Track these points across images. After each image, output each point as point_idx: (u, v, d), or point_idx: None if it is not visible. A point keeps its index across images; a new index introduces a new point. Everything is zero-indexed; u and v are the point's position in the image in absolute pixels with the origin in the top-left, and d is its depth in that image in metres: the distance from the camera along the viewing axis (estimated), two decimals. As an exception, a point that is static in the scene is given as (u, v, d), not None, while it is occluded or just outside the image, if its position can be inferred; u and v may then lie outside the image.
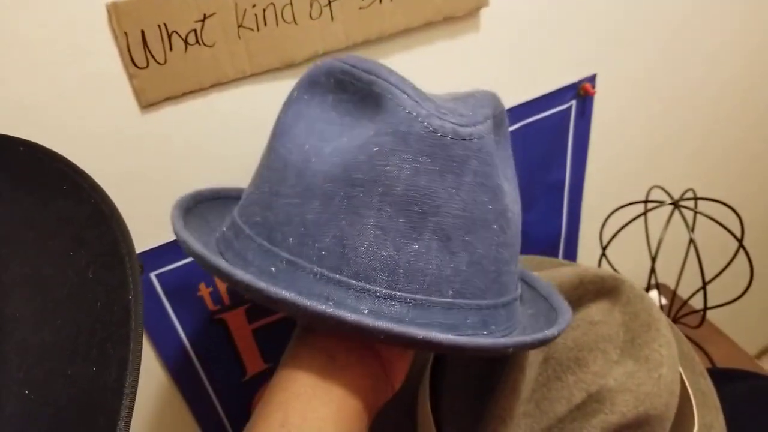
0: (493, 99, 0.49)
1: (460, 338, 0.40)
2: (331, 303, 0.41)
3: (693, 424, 0.66)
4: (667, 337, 0.60)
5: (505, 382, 0.57)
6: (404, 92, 0.42)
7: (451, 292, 0.43)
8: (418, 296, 0.42)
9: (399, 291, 0.42)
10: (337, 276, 0.42)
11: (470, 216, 0.43)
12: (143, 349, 0.69)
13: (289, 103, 0.49)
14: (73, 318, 0.38)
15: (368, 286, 0.42)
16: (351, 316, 0.38)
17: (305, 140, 0.45)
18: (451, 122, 0.42)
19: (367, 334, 0.38)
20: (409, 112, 0.41)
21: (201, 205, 0.56)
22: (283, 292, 0.38)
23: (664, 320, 0.62)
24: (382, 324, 0.38)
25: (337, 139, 0.44)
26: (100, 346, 0.37)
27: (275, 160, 0.46)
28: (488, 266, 0.45)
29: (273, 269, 0.43)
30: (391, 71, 0.44)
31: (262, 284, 0.39)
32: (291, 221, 0.43)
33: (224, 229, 0.50)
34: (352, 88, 0.45)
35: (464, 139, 0.42)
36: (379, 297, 0.42)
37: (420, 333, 0.38)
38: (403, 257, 0.42)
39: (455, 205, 0.42)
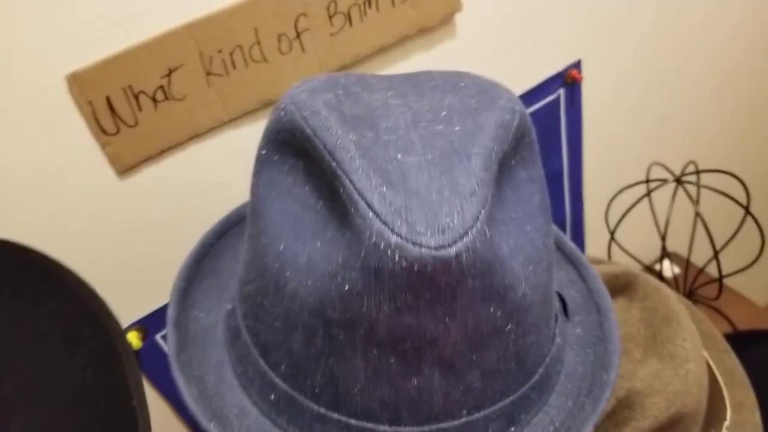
0: (498, 118, 0.37)
1: None
2: None
3: (725, 405, 0.65)
4: (689, 329, 0.59)
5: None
6: (369, 204, 0.33)
7: (465, 412, 0.39)
8: (426, 427, 0.39)
9: (404, 426, 0.39)
10: (335, 415, 0.39)
11: (474, 335, 0.37)
12: (160, 406, 0.68)
13: (260, 163, 0.42)
14: (79, 426, 0.36)
15: (369, 425, 0.38)
16: None
17: (280, 234, 0.39)
18: (429, 247, 0.32)
19: None
20: (375, 243, 0.32)
21: (210, 254, 0.53)
22: None
23: (683, 310, 0.61)
24: None
25: (311, 241, 0.37)
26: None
27: (256, 254, 0.41)
28: (508, 365, 0.39)
29: (272, 397, 0.41)
30: (350, 149, 0.35)
31: None
32: (279, 346, 0.40)
33: (228, 307, 0.47)
34: (318, 166, 0.37)
35: (449, 264, 0.32)
36: None
37: None
38: (403, 394, 0.37)
39: (453, 333, 0.36)
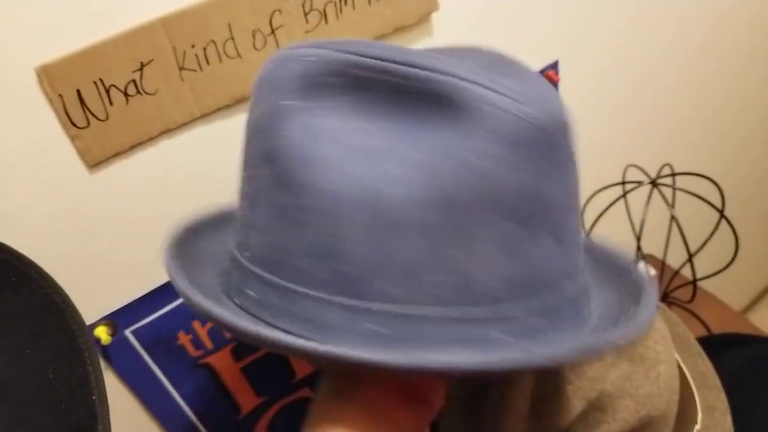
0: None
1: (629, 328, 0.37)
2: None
3: (696, 409, 0.65)
4: (660, 332, 0.59)
5: (502, 402, 0.55)
6: (483, 86, 0.35)
7: (566, 280, 0.40)
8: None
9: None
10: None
11: (574, 195, 0.40)
12: (130, 402, 0.67)
13: (280, 116, 0.38)
14: (39, 424, 0.36)
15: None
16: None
17: (346, 164, 0.36)
18: (535, 109, 0.36)
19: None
20: (501, 108, 0.35)
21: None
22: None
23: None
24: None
25: (391, 153, 0.36)
26: (70, 454, 0.34)
27: (318, 198, 0.36)
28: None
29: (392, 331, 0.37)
30: (442, 60, 0.36)
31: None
32: (389, 265, 0.36)
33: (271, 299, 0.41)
34: (387, 87, 0.36)
35: (552, 124, 0.37)
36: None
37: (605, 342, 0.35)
38: (526, 266, 0.38)
39: (560, 193, 0.39)
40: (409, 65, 0.35)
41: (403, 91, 0.35)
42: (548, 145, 0.36)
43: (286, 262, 0.38)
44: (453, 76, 0.34)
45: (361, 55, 0.36)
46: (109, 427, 0.35)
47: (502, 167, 0.35)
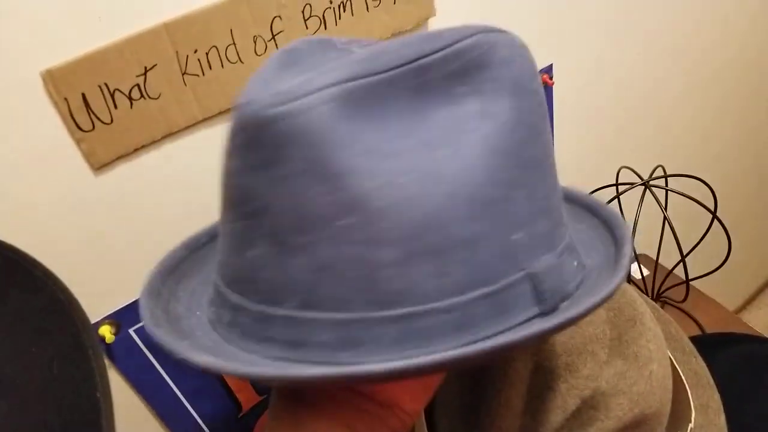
0: (436, 39, 0.36)
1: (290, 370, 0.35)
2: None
3: (690, 407, 0.66)
4: (653, 331, 0.60)
5: (497, 398, 0.56)
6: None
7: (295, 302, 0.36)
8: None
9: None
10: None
11: (294, 217, 0.35)
12: (134, 401, 0.68)
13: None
14: (42, 420, 0.37)
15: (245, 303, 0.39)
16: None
17: None
18: (260, 105, 0.33)
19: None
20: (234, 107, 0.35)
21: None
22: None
23: (648, 312, 0.62)
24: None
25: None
26: (75, 449, 0.35)
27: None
28: (344, 271, 0.35)
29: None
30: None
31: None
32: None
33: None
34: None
35: (269, 124, 0.33)
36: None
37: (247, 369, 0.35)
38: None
39: (279, 203, 0.35)
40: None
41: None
42: (263, 145, 0.35)
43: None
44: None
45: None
46: (113, 422, 0.36)
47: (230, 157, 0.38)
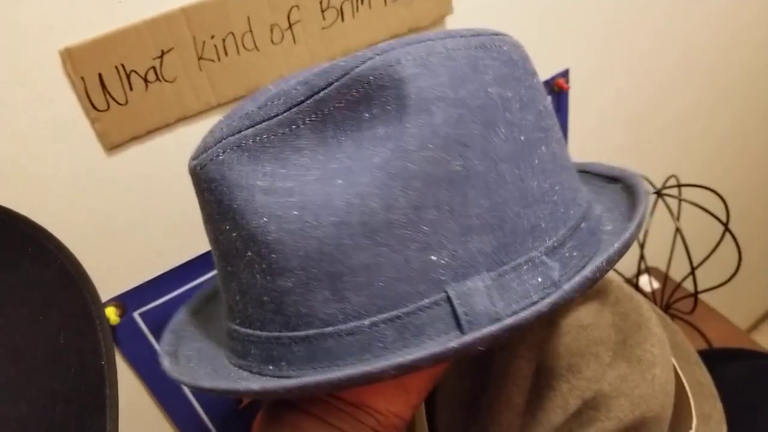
0: (331, 71, 0.37)
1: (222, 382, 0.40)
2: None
3: (691, 415, 0.66)
4: (658, 336, 0.60)
5: (498, 396, 0.56)
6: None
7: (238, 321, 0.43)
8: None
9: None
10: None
11: (223, 249, 0.41)
12: (135, 385, 0.68)
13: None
14: (48, 388, 0.37)
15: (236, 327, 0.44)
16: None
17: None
18: (193, 158, 0.41)
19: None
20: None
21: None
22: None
23: (654, 318, 0.62)
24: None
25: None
26: (78, 416, 0.36)
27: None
28: (259, 296, 0.39)
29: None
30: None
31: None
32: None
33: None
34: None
35: (194, 174, 0.41)
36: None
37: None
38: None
39: (212, 239, 0.42)
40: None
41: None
42: (198, 191, 0.43)
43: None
44: None
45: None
46: (116, 391, 0.36)
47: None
